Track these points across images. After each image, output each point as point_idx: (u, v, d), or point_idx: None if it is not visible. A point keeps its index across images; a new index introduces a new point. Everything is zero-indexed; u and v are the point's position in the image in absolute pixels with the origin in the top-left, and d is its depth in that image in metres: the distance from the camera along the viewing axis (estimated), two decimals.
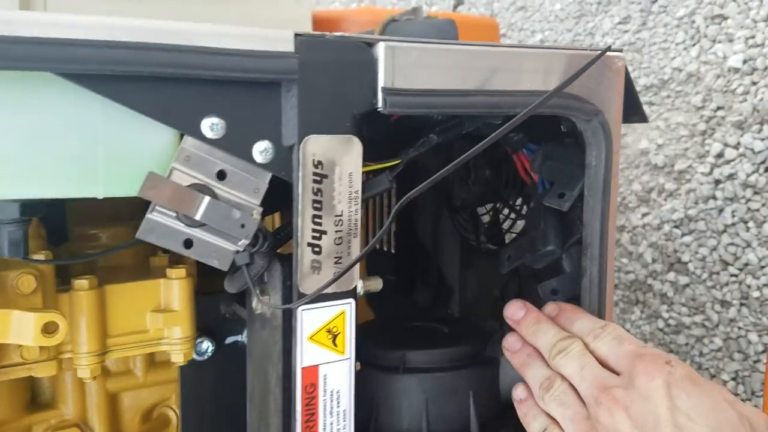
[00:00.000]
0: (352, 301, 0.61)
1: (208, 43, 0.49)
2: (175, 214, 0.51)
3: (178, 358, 0.68)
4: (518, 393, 0.70)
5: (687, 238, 2.01)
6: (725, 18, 1.91)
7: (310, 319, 0.59)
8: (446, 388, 0.74)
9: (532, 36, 2.56)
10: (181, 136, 0.52)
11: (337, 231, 0.58)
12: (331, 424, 0.63)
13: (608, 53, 0.66)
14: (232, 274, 0.63)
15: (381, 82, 0.56)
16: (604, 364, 0.63)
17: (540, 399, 0.65)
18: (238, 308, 0.65)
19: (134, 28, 0.47)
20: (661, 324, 2.10)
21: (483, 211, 1.04)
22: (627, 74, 0.74)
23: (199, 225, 0.52)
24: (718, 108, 1.93)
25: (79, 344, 0.63)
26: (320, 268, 0.58)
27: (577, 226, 0.73)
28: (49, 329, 0.59)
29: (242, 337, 0.76)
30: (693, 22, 1.98)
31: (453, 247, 1.11)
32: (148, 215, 0.51)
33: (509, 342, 0.72)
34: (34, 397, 0.74)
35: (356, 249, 0.59)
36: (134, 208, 0.67)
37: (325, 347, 0.60)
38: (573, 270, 0.75)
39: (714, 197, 1.94)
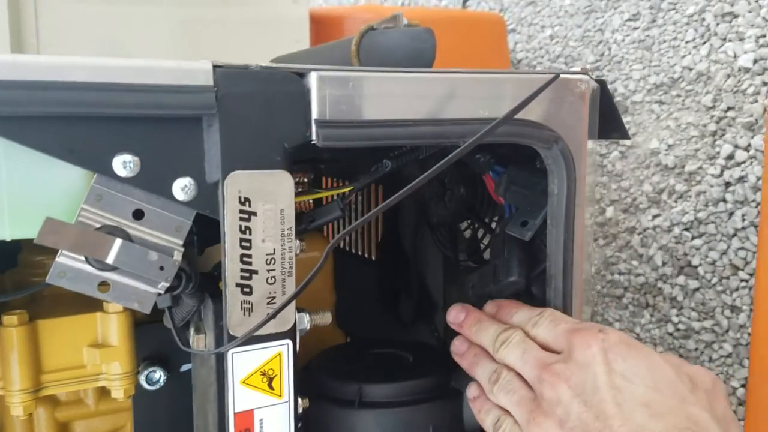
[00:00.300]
0: (288, 342, 0.57)
1: (116, 78, 0.46)
2: (84, 258, 0.48)
3: (118, 394, 0.65)
4: (471, 392, 0.71)
5: (697, 242, 1.95)
6: (736, 16, 1.84)
7: (241, 362, 0.56)
8: (405, 423, 0.71)
9: (542, 31, 2.50)
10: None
11: (269, 270, 0.55)
12: None
13: (569, 76, 0.61)
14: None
15: (314, 114, 0.53)
16: (545, 348, 0.64)
17: (490, 393, 0.67)
18: (180, 344, 0.62)
19: (34, 65, 0.44)
20: (671, 328, 2.05)
21: (465, 226, 1.00)
22: (603, 92, 0.69)
23: (112, 269, 0.49)
24: (729, 108, 1.86)
25: (10, 381, 0.61)
26: (251, 309, 0.55)
27: (543, 254, 0.69)
28: None
29: None
30: (703, 19, 1.91)
31: (436, 262, 1.08)
32: (57, 259, 0.48)
33: (456, 346, 0.73)
34: None
35: (291, 287, 0.56)
36: None
37: (260, 391, 0.57)
38: (542, 297, 0.71)
39: (724, 200, 1.88)
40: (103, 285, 0.50)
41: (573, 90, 0.62)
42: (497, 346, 0.67)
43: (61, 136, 0.46)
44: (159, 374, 0.73)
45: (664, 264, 2.05)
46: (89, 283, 0.49)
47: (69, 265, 0.48)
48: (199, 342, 0.57)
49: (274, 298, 0.55)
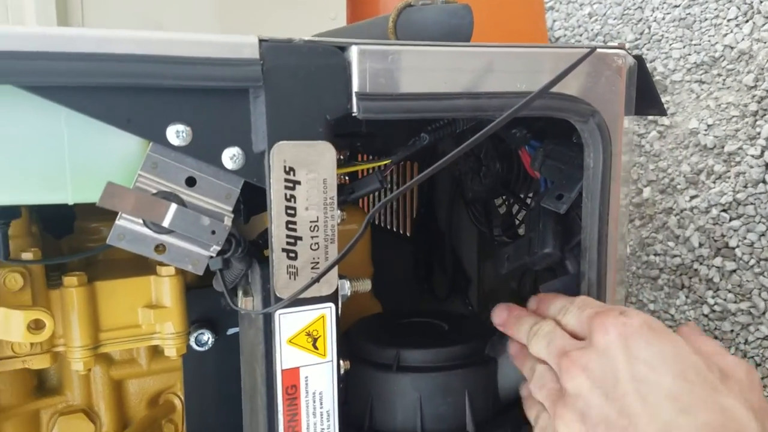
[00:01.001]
0: (331, 305, 0.60)
1: (170, 51, 0.49)
2: (142, 221, 0.52)
3: (171, 353, 0.69)
4: (522, 391, 0.70)
5: (735, 223, 1.94)
6: None
7: (288, 322, 0.59)
8: (440, 387, 0.74)
9: (581, 9, 2.48)
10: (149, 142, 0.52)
11: (312, 237, 0.57)
12: (315, 424, 0.63)
13: (606, 51, 0.63)
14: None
15: (355, 87, 0.55)
16: (574, 336, 0.61)
17: (532, 389, 0.64)
18: (231, 304, 0.66)
19: (95, 38, 0.47)
20: (706, 310, 2.04)
21: (500, 202, 1.02)
22: (641, 68, 0.70)
23: (168, 232, 0.52)
24: None
25: (71, 338, 0.65)
26: (297, 273, 0.58)
27: (578, 227, 0.71)
28: (36, 326, 0.61)
29: None
30: None
31: (470, 238, 1.10)
32: (117, 222, 0.52)
33: (512, 350, 0.72)
34: (41, 383, 0.76)
35: (333, 254, 0.59)
36: None
37: (305, 350, 0.60)
38: (576, 271, 0.73)
39: (764, 181, 1.86)
40: (160, 247, 0.53)
41: (610, 65, 0.63)
42: (530, 339, 0.65)
43: (119, 106, 0.49)
44: (207, 336, 0.77)
45: (700, 245, 2.03)
46: (146, 245, 0.52)
47: (128, 228, 0.52)
48: (247, 304, 0.60)
49: (317, 263, 0.58)
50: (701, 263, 2.05)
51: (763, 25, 1.84)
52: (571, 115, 0.62)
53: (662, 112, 0.81)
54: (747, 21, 1.88)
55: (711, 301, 2.02)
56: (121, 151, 0.51)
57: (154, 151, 0.51)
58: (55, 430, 0.73)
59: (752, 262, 1.91)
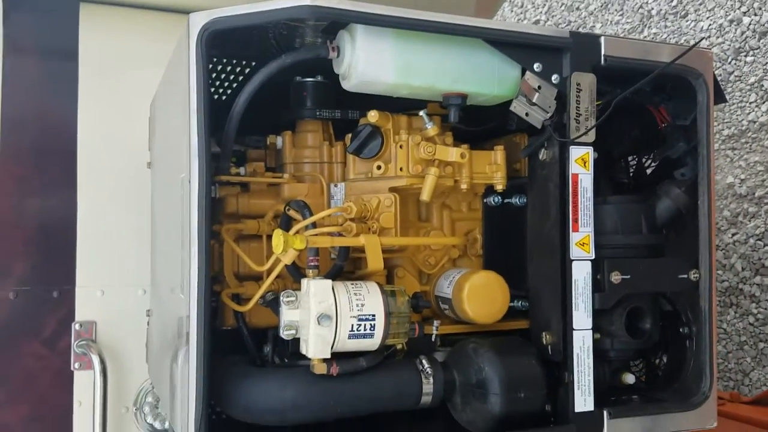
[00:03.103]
0: None
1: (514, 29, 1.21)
2: (525, 100, 1.22)
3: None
4: None
5: None
6: None
7: None
8: None
9: None
10: (523, 71, 1.23)
11: None
12: None
13: (700, 48, 1.35)
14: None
15: None
16: None
17: None
18: None
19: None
20: (751, 319, 2.65)
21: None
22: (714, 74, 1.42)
23: (533, 104, 1.22)
24: None
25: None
26: None
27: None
28: None
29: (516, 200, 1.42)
30: (762, 85, 2.66)
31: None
32: (514, 101, 1.22)
33: None
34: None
35: None
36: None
37: None
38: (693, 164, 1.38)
39: None
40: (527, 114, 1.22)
41: (703, 55, 1.35)
42: None
43: (518, 55, 1.21)
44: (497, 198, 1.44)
45: (743, 269, 2.68)
46: (521, 111, 1.22)
47: (521, 105, 1.21)
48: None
49: None
50: (745, 283, 2.68)
51: None
52: (690, 74, 1.33)
53: (725, 100, 1.52)
54: (764, 102, 2.64)
55: (755, 311, 2.64)
56: (517, 72, 1.22)
57: (528, 75, 1.23)
58: None
59: None
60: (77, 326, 1.94)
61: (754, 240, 2.63)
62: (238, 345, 1.24)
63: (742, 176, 2.70)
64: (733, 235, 2.71)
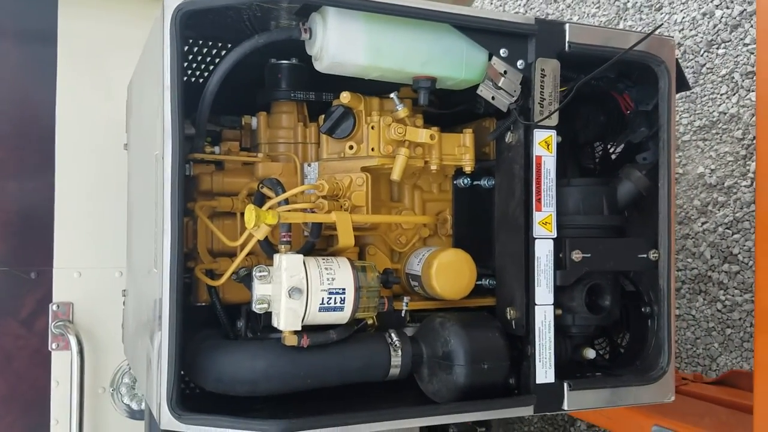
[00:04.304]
0: None
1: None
2: (492, 84, 1.26)
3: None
4: None
5: (737, 236, 2.66)
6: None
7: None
8: None
9: None
10: (490, 56, 1.27)
11: None
12: None
13: (662, 36, 1.39)
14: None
15: None
16: None
17: None
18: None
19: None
20: (719, 306, 2.71)
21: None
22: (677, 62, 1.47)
23: (498, 89, 1.26)
24: (754, 137, 2.63)
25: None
26: None
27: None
28: None
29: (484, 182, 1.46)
30: (732, 77, 2.72)
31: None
32: (481, 85, 1.26)
33: None
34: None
35: None
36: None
37: None
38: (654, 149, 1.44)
39: (754, 202, 2.61)
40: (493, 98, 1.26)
41: (665, 43, 1.39)
42: None
43: (483, 39, 1.24)
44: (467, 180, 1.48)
45: (711, 257, 2.75)
46: (488, 94, 1.26)
47: (485, 86, 1.25)
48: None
49: None
50: (713, 271, 2.75)
51: (746, 95, 2.66)
52: (652, 60, 1.37)
53: (689, 87, 1.57)
54: (734, 93, 2.70)
55: (722, 298, 2.71)
56: (484, 58, 1.26)
57: (494, 60, 1.26)
58: None
59: (751, 263, 2.62)
60: (54, 307, 1.97)
61: (723, 228, 2.70)
62: (211, 321, 1.28)
63: (713, 166, 2.76)
64: (703, 224, 2.77)
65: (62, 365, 1.94)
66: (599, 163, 1.61)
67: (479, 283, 1.32)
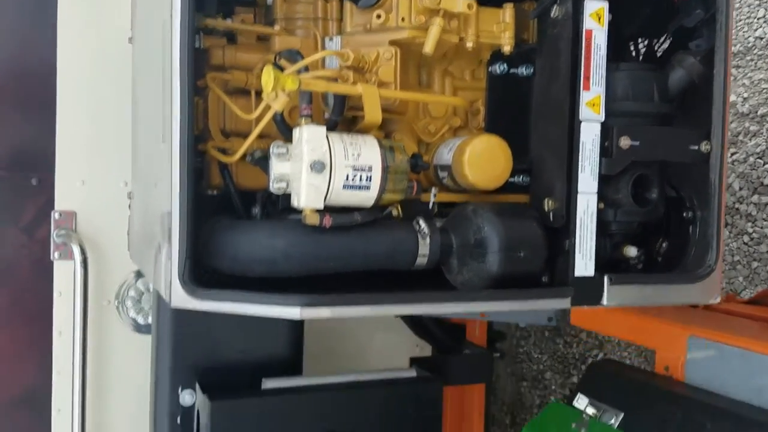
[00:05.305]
0: None
1: None
2: None
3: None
4: None
5: None
6: None
7: None
8: None
9: None
10: None
11: None
12: None
13: None
14: None
15: None
16: None
17: None
18: None
19: None
20: (746, 239, 2.61)
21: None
22: None
23: None
24: None
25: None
26: None
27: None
28: None
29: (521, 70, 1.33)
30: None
31: None
32: None
33: None
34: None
35: None
36: None
37: None
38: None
39: None
40: None
41: None
42: None
43: None
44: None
45: (740, 189, 2.64)
46: None
47: None
48: None
49: None
50: (741, 202, 2.64)
51: None
52: None
53: None
54: None
55: (750, 230, 2.61)
56: None
57: None
58: None
59: None
60: (56, 215, 1.87)
61: (754, 158, 2.58)
62: (223, 210, 1.18)
63: (745, 94, 2.63)
64: (733, 154, 2.66)
65: (65, 276, 1.86)
66: (643, 61, 1.49)
67: (512, 180, 1.21)
